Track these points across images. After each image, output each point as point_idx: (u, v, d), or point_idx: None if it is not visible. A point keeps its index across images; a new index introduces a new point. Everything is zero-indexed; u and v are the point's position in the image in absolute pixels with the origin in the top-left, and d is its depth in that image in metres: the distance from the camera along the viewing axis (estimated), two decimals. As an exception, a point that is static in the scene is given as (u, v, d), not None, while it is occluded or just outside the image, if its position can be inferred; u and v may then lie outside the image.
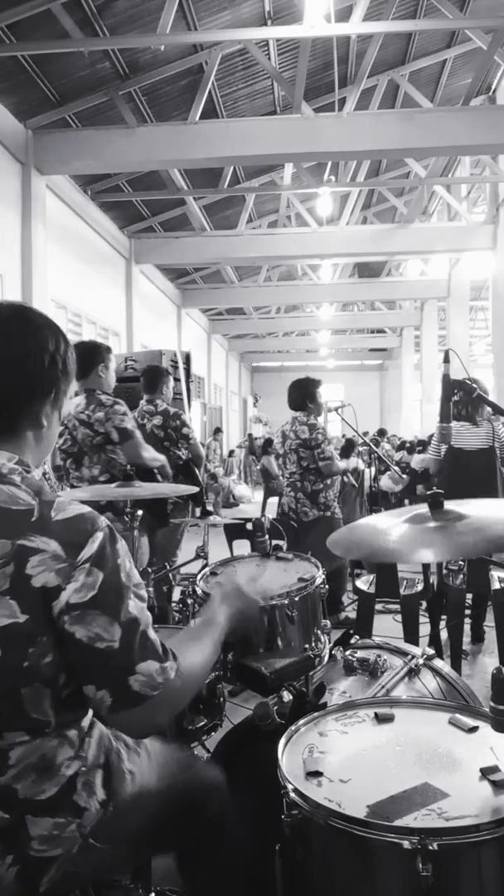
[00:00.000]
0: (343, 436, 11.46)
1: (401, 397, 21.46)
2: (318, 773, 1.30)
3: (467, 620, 3.99)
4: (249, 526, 2.28)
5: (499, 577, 3.32)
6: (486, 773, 1.27)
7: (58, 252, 8.69)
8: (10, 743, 1.10)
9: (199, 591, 2.04)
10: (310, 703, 1.61)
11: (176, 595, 3.90)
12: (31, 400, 1.22)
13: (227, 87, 8.73)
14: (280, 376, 26.57)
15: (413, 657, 2.03)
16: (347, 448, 8.39)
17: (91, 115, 8.10)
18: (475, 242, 11.69)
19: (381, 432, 15.35)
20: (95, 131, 7.81)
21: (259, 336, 23.76)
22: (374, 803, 1.20)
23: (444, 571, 3.38)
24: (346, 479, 7.05)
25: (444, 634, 3.57)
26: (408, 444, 12.23)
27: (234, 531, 4.64)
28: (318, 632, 1.95)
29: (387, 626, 3.72)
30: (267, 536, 2.23)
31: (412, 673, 1.96)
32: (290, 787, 1.26)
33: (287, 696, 1.67)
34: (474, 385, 2.03)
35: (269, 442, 12.09)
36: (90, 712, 1.24)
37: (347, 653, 2.03)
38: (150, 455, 3.49)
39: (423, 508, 1.53)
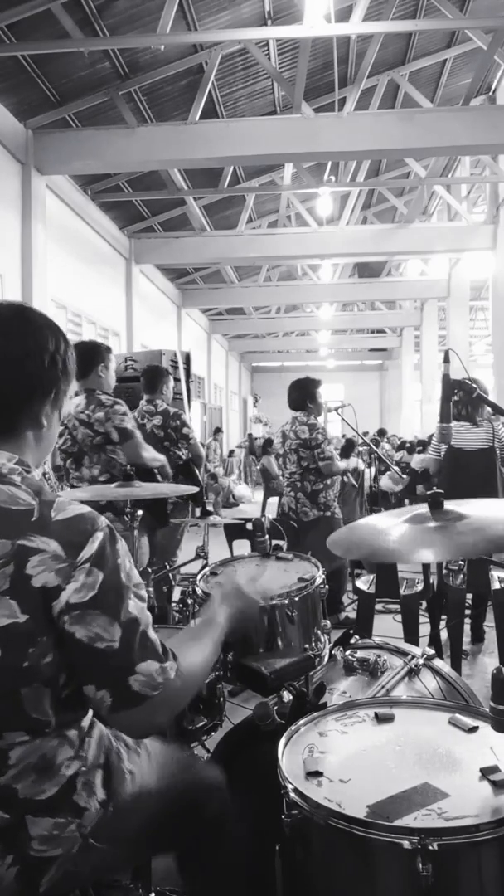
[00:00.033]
0: (343, 436, 11.46)
1: (401, 397, 21.46)
2: (318, 773, 1.30)
3: (467, 620, 3.99)
4: (249, 526, 2.28)
5: (499, 577, 3.32)
6: (486, 773, 1.27)
7: (58, 252, 8.69)
8: (9, 743, 1.10)
9: (199, 591, 2.04)
10: (310, 703, 1.61)
11: (176, 595, 3.90)
12: (31, 400, 1.22)
13: (227, 87, 8.73)
14: (280, 376, 26.57)
15: (413, 657, 2.03)
16: (347, 448, 8.39)
17: (91, 115, 8.10)
18: (475, 242, 11.69)
19: (381, 432, 15.35)
20: (95, 131, 7.81)
21: (259, 336, 23.77)
22: (374, 803, 1.20)
23: (444, 571, 3.38)
24: (345, 479, 7.04)
25: (444, 634, 3.57)
26: (408, 444, 12.23)
27: (234, 531, 4.63)
28: (318, 632, 1.95)
29: (387, 626, 3.72)
30: (267, 536, 2.23)
31: (412, 673, 1.96)
32: (290, 787, 1.26)
33: (287, 696, 1.67)
34: (474, 385, 2.03)
35: (269, 442, 12.09)
36: (90, 712, 1.24)
37: (347, 653, 2.03)
38: (150, 455, 3.49)
39: (423, 508, 1.53)
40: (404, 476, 7.86)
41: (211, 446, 15.30)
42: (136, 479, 2.52)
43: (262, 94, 9.26)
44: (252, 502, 14.08)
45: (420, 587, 3.36)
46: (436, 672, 2.01)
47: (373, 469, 7.57)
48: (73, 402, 3.41)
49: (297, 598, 1.88)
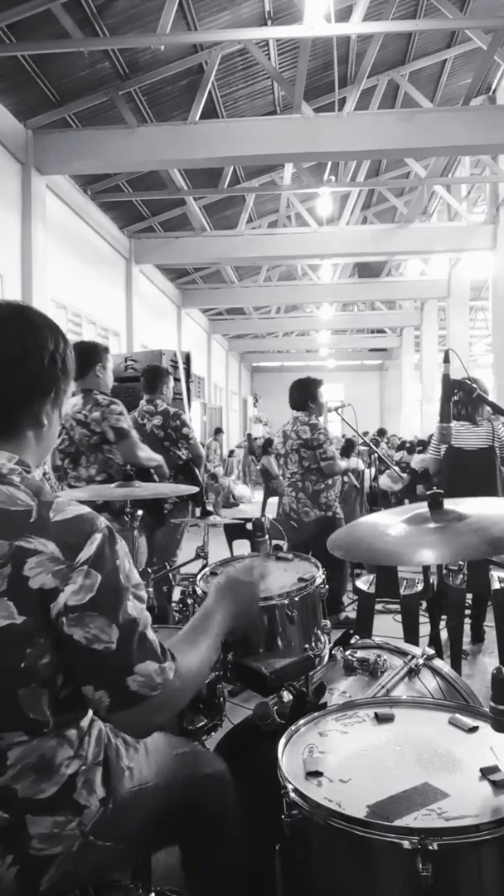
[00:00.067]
0: (343, 436, 11.46)
1: (401, 397, 21.46)
2: (318, 773, 1.30)
3: (467, 620, 3.99)
4: (249, 526, 2.28)
5: (499, 577, 3.32)
6: (486, 773, 1.27)
7: (58, 252, 8.69)
8: (8, 743, 1.10)
9: (199, 591, 2.04)
10: (310, 703, 1.61)
11: (176, 595, 3.91)
12: (31, 399, 1.21)
13: (227, 87, 8.73)
14: (280, 376, 26.58)
15: (413, 657, 2.03)
16: (347, 448, 8.40)
17: (91, 115, 8.10)
18: (475, 242, 11.70)
19: (381, 432, 15.36)
20: (95, 131, 7.81)
21: (259, 336, 23.77)
22: (374, 803, 1.20)
23: (444, 571, 3.38)
24: (345, 479, 7.04)
25: (444, 634, 3.57)
26: (408, 444, 12.23)
27: (234, 531, 4.63)
28: (318, 632, 1.95)
29: (387, 626, 3.72)
30: (267, 536, 2.23)
31: (412, 673, 1.96)
32: (290, 787, 1.26)
33: (287, 696, 1.66)
34: (474, 385, 2.03)
35: (269, 442, 12.08)
36: (90, 712, 1.24)
37: (347, 653, 2.03)
38: (146, 455, 3.50)
39: (423, 508, 1.53)
40: (404, 475, 7.86)
41: (211, 446, 15.31)
42: (135, 479, 2.53)
43: (262, 94, 9.26)
44: (252, 502, 14.08)
45: (420, 587, 3.36)
46: (436, 672, 2.00)
47: (373, 469, 7.57)
48: (70, 402, 3.41)
49: (297, 598, 1.88)
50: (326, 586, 2.02)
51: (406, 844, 1.10)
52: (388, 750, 1.39)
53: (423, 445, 9.74)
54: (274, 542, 2.30)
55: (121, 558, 1.14)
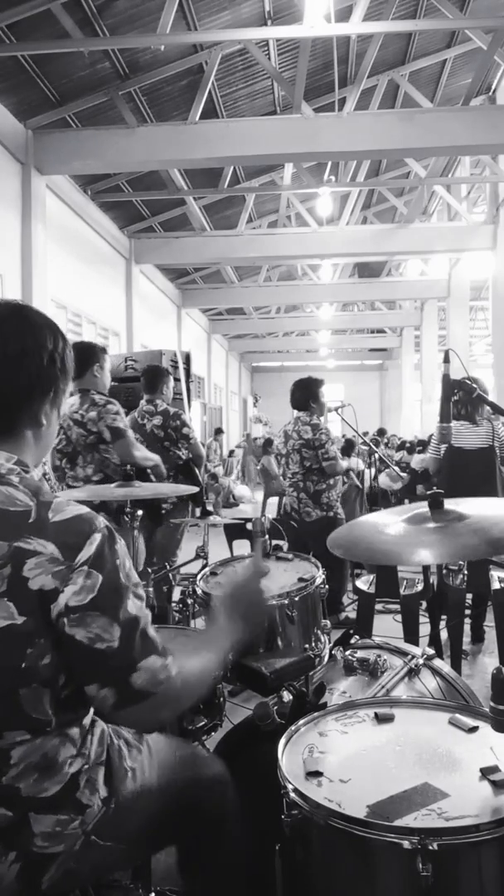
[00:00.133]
0: (343, 436, 11.47)
1: (401, 397, 21.46)
2: (318, 773, 1.30)
3: (467, 620, 3.99)
4: (249, 526, 2.28)
5: (499, 577, 3.32)
6: (486, 773, 1.27)
7: (58, 252, 8.69)
8: (10, 742, 1.10)
9: (199, 591, 2.04)
10: (310, 703, 1.61)
11: (176, 595, 3.90)
12: (30, 399, 1.21)
13: (227, 87, 8.73)
14: (280, 376, 26.58)
15: (413, 657, 2.03)
16: (347, 448, 8.40)
17: (91, 115, 8.10)
18: (475, 242, 11.69)
19: (381, 432, 15.36)
20: (95, 131, 7.81)
21: (259, 336, 23.77)
22: (374, 803, 1.20)
23: (444, 571, 3.37)
24: (345, 479, 7.04)
25: (444, 634, 3.57)
26: (408, 444, 12.23)
27: (234, 531, 4.63)
28: (318, 632, 1.95)
29: (387, 626, 3.72)
30: (267, 536, 2.23)
31: (412, 673, 1.96)
32: (290, 787, 1.26)
33: (287, 696, 1.66)
34: (474, 385, 2.03)
35: (269, 442, 12.08)
36: (91, 710, 1.25)
37: (347, 653, 2.03)
38: (142, 454, 3.51)
39: (423, 508, 1.53)
40: (403, 475, 7.86)
41: (211, 447, 15.31)
42: (135, 479, 2.53)
43: (262, 94, 9.26)
44: (252, 502, 14.07)
45: (420, 587, 3.35)
46: (436, 672, 2.00)
47: (373, 469, 7.57)
48: (67, 402, 3.42)
49: (297, 598, 1.88)
50: (326, 586, 2.02)
51: (406, 844, 1.10)
52: (388, 750, 1.39)
53: (423, 445, 9.73)
54: (274, 542, 2.29)
55: (121, 558, 1.14)
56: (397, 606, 3.59)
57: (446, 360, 1.98)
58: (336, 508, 4.60)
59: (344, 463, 4.91)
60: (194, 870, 1.41)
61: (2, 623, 1.06)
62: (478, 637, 4.21)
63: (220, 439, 17.05)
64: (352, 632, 2.18)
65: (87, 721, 1.23)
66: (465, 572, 3.23)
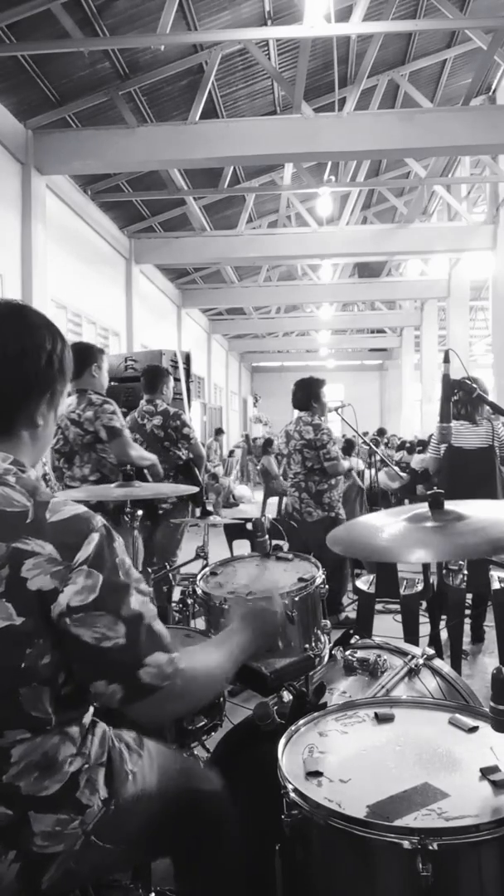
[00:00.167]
0: (343, 436, 11.47)
1: (401, 397, 21.45)
2: (318, 773, 1.30)
3: (467, 620, 3.99)
4: (249, 526, 2.28)
5: (499, 577, 3.32)
6: (486, 773, 1.27)
7: (58, 252, 8.69)
8: (11, 741, 1.10)
9: (199, 591, 2.04)
10: (310, 703, 1.61)
11: (176, 595, 3.90)
12: (27, 399, 1.21)
13: (227, 87, 8.72)
14: (280, 376, 26.58)
15: (413, 657, 2.03)
16: (347, 448, 8.40)
17: (91, 115, 8.10)
18: (475, 242, 11.69)
19: (381, 432, 15.36)
20: (95, 131, 7.81)
21: (259, 336, 23.76)
22: (374, 803, 1.20)
23: (444, 571, 3.37)
24: (344, 479, 7.04)
25: (444, 634, 3.57)
26: (408, 444, 12.23)
27: (234, 531, 4.62)
28: (318, 632, 1.95)
29: (387, 626, 3.72)
30: (267, 536, 2.23)
31: (412, 673, 1.96)
32: (290, 787, 1.26)
33: (287, 696, 1.66)
34: (474, 385, 2.03)
35: (269, 442, 12.09)
36: (91, 709, 1.25)
37: (347, 653, 2.03)
38: (138, 453, 3.52)
39: (423, 508, 1.53)
40: (403, 475, 7.86)
41: (212, 447, 15.31)
42: (134, 479, 2.53)
43: (262, 94, 9.26)
44: (252, 502, 14.08)
45: (420, 587, 3.35)
46: (436, 672, 2.00)
47: (373, 470, 7.57)
48: (65, 401, 3.43)
49: (297, 598, 1.88)
50: (326, 586, 2.02)
51: (406, 844, 1.10)
52: (388, 750, 1.39)
53: (423, 445, 9.74)
54: (274, 542, 2.29)
55: (120, 556, 1.14)
56: (397, 606, 3.59)
57: (446, 360, 1.99)
58: (338, 508, 4.61)
59: (346, 463, 4.91)
60: (192, 876, 1.41)
61: (1, 624, 1.06)
62: (478, 637, 4.21)
63: (220, 439, 17.04)
64: (352, 632, 2.18)
65: (86, 720, 1.23)
66: (465, 572, 3.23)
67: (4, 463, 1.17)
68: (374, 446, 6.12)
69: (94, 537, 1.12)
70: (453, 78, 10.08)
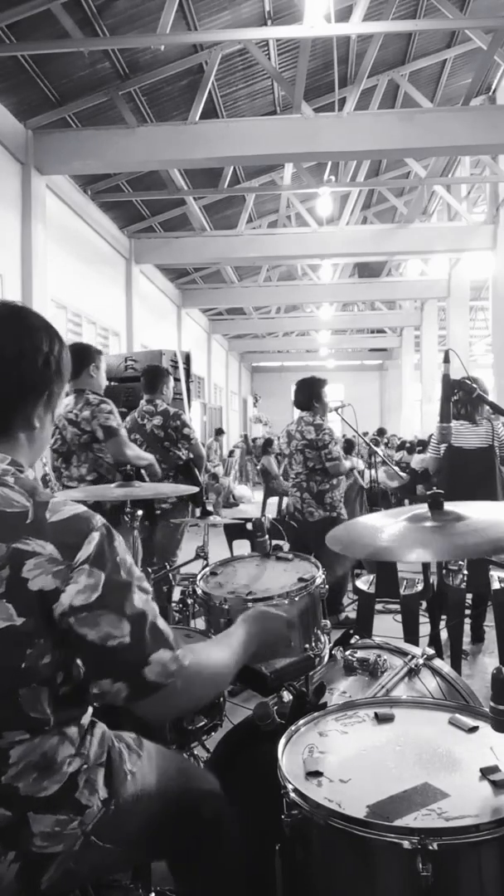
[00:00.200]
0: (343, 436, 11.47)
1: (401, 397, 21.45)
2: (318, 773, 1.30)
3: (467, 620, 3.99)
4: (249, 526, 2.28)
5: (499, 577, 3.32)
6: (486, 773, 1.27)
7: (58, 252, 8.69)
8: (10, 742, 1.10)
9: (199, 591, 2.04)
10: (310, 703, 1.61)
11: (176, 595, 3.90)
12: (24, 401, 1.21)
13: (227, 87, 8.73)
14: (280, 376, 26.62)
15: (413, 657, 2.03)
16: (347, 448, 8.40)
17: (91, 115, 8.10)
18: (475, 242, 11.69)
19: (381, 432, 15.36)
20: (95, 131, 7.81)
21: (259, 336, 23.76)
22: (374, 803, 1.20)
23: (444, 571, 3.37)
24: (346, 478, 7.04)
25: (444, 634, 3.57)
26: (408, 444, 12.23)
27: (234, 531, 4.62)
28: (318, 632, 1.95)
29: (387, 626, 3.72)
30: (267, 536, 2.23)
31: (412, 673, 1.96)
32: (290, 787, 1.26)
33: (287, 696, 1.66)
34: (474, 385, 2.03)
35: (269, 442, 12.09)
36: (90, 710, 1.25)
37: (347, 653, 2.03)
38: (135, 453, 3.52)
39: (423, 508, 1.53)
40: (403, 474, 7.86)
41: (212, 447, 15.31)
42: (134, 479, 2.53)
43: (262, 94, 9.26)
44: (252, 502, 14.08)
45: (420, 587, 3.35)
46: (436, 672, 2.00)
47: (373, 470, 7.58)
48: (62, 401, 3.43)
49: (297, 598, 1.88)
50: (326, 586, 2.02)
51: (406, 844, 1.10)
52: (388, 750, 1.39)
53: (423, 445, 9.74)
54: (274, 542, 2.29)
55: (121, 554, 1.14)
56: (397, 606, 3.60)
57: (446, 360, 1.99)
58: (339, 508, 4.61)
59: (347, 463, 4.91)
60: (191, 875, 1.41)
61: (1, 624, 1.06)
62: (478, 637, 4.21)
63: (220, 440, 17.04)
64: (352, 632, 2.18)
65: (85, 721, 1.23)
66: (465, 572, 3.22)
67: (3, 464, 1.17)
68: (374, 446, 6.12)
69: (95, 536, 1.12)
70: (453, 78, 10.08)
